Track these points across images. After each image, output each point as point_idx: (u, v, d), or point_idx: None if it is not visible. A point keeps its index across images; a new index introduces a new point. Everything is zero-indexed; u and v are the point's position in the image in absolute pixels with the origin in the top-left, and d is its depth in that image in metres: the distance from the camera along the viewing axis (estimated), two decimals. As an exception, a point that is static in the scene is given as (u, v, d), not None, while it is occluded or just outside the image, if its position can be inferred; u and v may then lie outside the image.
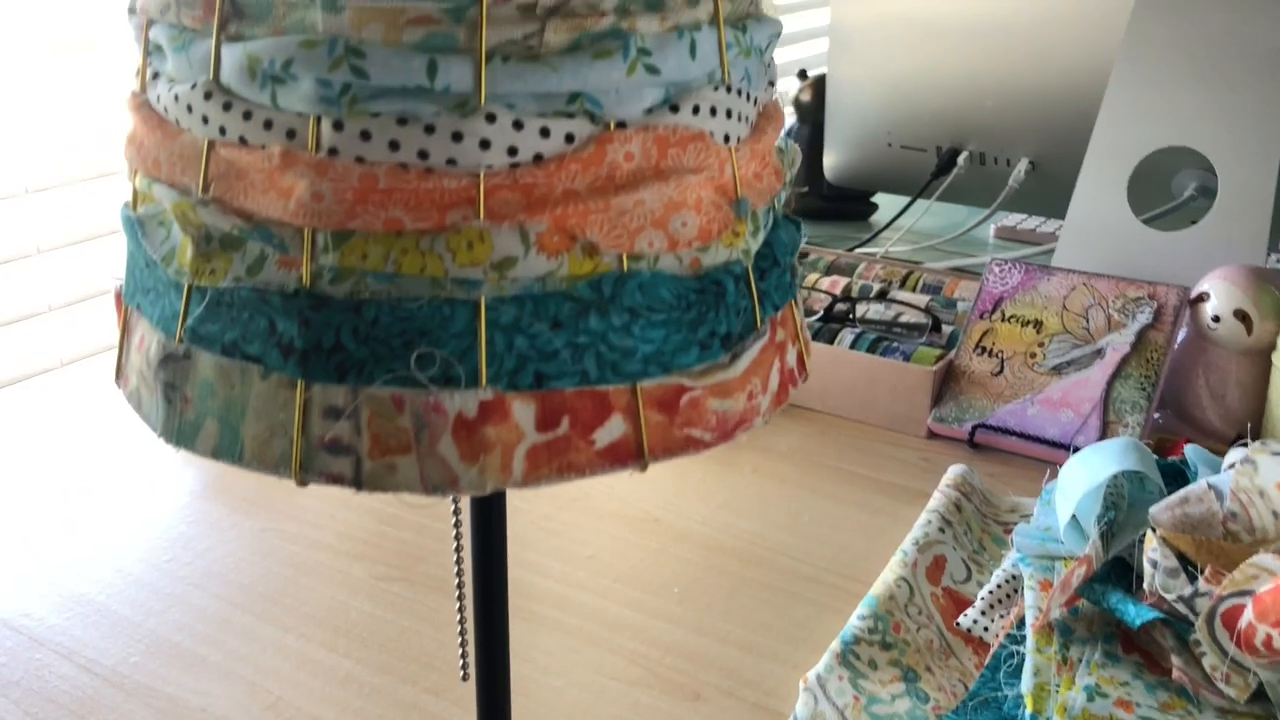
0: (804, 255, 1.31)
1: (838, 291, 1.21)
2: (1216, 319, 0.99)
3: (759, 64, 0.43)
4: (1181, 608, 0.65)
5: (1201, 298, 1.01)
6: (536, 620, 0.79)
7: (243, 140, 0.38)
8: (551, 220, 0.37)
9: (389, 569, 0.85)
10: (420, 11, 0.36)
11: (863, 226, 1.57)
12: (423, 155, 0.36)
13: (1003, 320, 1.07)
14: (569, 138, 0.37)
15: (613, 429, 0.39)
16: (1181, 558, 0.68)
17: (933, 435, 1.06)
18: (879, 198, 1.60)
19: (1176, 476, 0.77)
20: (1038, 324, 1.06)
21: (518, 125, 0.37)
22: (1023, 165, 1.32)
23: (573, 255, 0.38)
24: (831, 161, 1.48)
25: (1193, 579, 0.66)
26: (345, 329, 0.37)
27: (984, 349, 1.06)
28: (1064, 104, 1.27)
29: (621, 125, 0.38)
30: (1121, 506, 0.74)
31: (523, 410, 0.38)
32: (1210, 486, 0.70)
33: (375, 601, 0.81)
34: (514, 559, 0.85)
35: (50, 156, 1.19)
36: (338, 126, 0.36)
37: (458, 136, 0.36)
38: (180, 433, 0.40)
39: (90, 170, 1.23)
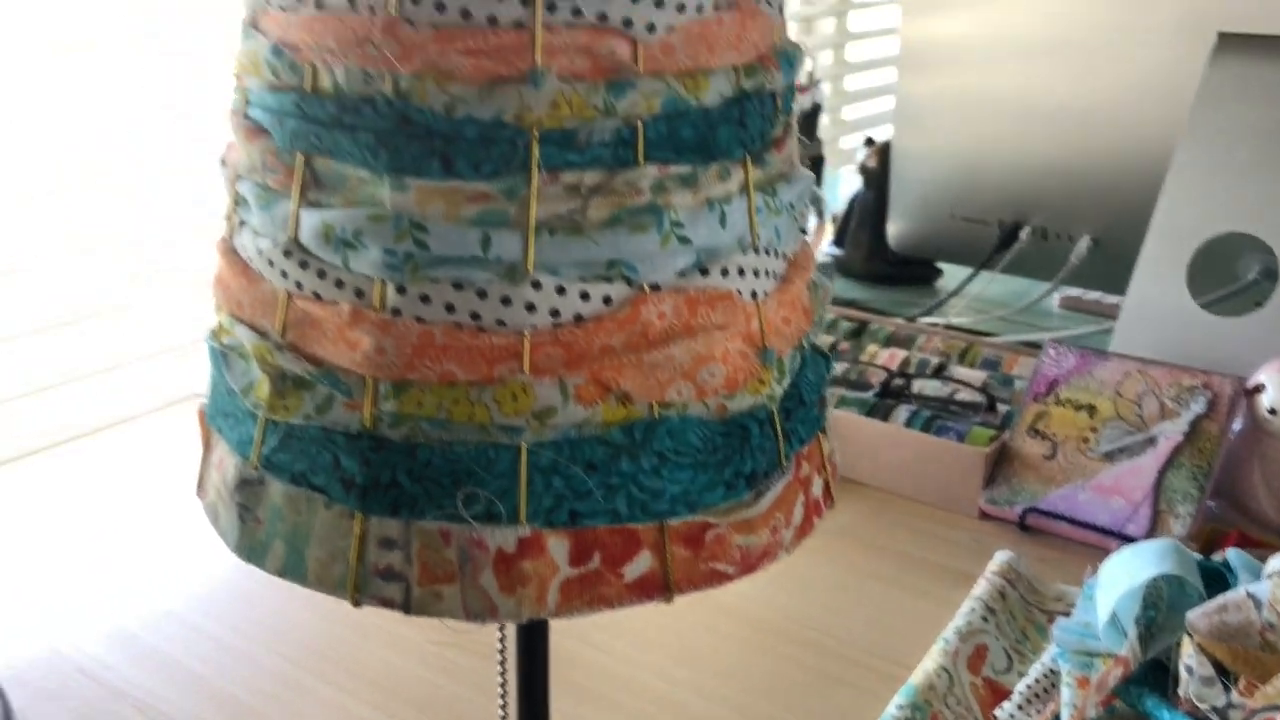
0: (865, 325, 1.33)
1: (895, 366, 1.23)
2: (1273, 411, 1.00)
3: (789, 220, 0.46)
4: (1215, 718, 0.66)
5: (1258, 389, 1.01)
6: (580, 692, 0.82)
7: (316, 295, 0.42)
8: (589, 374, 0.41)
9: (443, 633, 0.89)
10: (477, 190, 0.40)
11: (927, 291, 1.59)
12: (475, 316, 0.40)
13: (1057, 404, 1.08)
14: (607, 300, 0.41)
15: (641, 564, 0.42)
16: (1218, 666, 0.69)
17: (984, 516, 1.08)
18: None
19: (1217, 579, 0.79)
20: (1091, 409, 1.07)
21: (560, 290, 0.40)
22: (1084, 242, 1.34)
23: (607, 404, 0.41)
24: (895, 230, 1.51)
25: (1228, 689, 0.67)
26: (401, 469, 0.41)
27: (1038, 432, 1.08)
28: (1126, 183, 1.28)
29: (655, 287, 0.42)
30: (1161, 608, 0.75)
31: (557, 546, 0.41)
32: (1249, 595, 0.71)
33: (429, 666, 0.85)
34: (561, 628, 0.89)
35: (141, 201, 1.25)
36: (401, 290, 0.40)
37: (507, 301, 0.40)
38: (252, 550, 0.45)
39: (183, 223, 1.29)
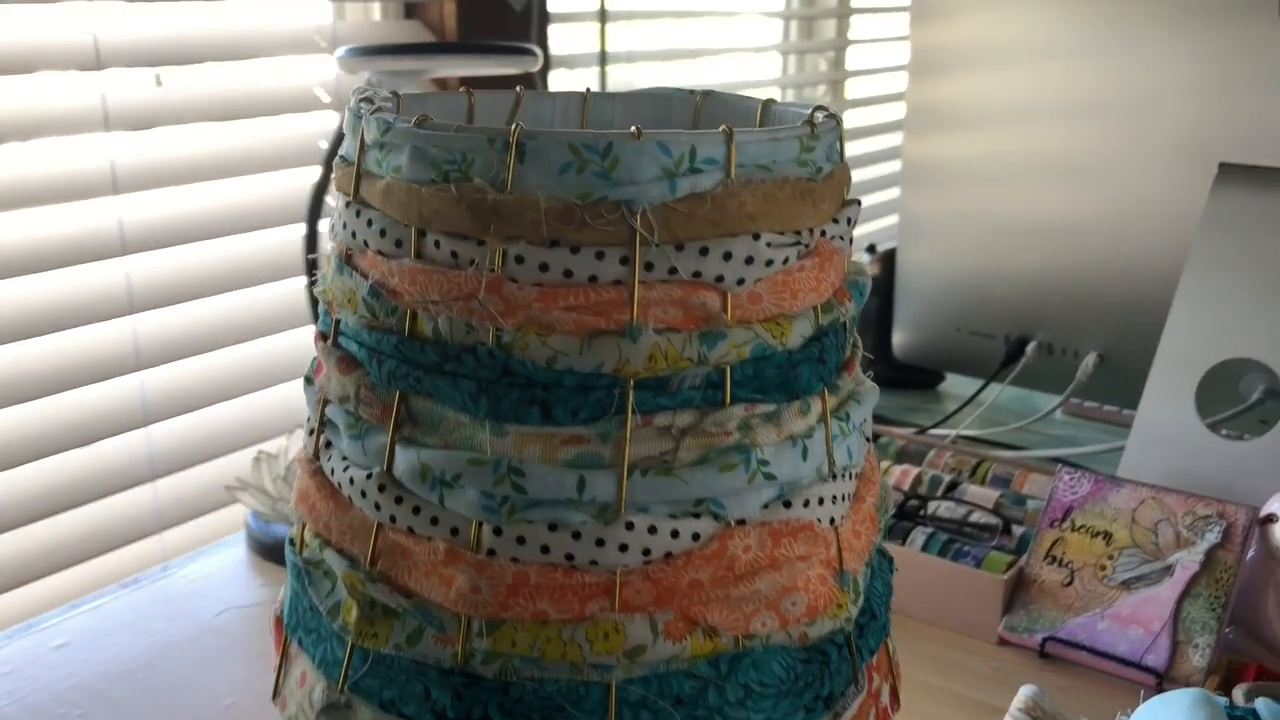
0: (876, 436, 1.35)
1: (907, 485, 1.25)
2: (1285, 542, 1.01)
3: (859, 437, 0.48)
4: None
5: (1271, 518, 1.03)
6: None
7: (410, 530, 0.43)
8: (677, 610, 0.42)
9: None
10: (573, 434, 0.41)
11: (930, 396, 1.61)
12: (569, 557, 0.42)
13: (1073, 530, 1.10)
14: (695, 536, 0.42)
15: (725, 794, 0.43)
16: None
17: (1003, 642, 1.09)
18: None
19: (1247, 727, 0.80)
20: (1107, 536, 1.08)
21: (652, 530, 0.42)
22: (1091, 358, 1.36)
23: (695, 638, 0.43)
24: (900, 340, 1.53)
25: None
26: (493, 704, 0.42)
27: (1054, 558, 1.09)
28: (1132, 301, 1.31)
29: (741, 523, 0.43)
30: (1190, 760, 0.76)
31: (647, 779, 0.42)
32: (1278, 751, 0.72)
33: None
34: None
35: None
36: (497, 532, 0.42)
37: (600, 542, 0.41)
38: (340, 773, 0.45)
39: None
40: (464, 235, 0.41)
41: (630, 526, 0.41)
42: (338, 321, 0.46)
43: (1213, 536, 1.05)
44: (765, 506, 0.43)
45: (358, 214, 0.44)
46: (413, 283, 0.42)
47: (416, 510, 0.43)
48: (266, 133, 1.15)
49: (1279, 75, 1.20)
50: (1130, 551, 1.08)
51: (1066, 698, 1.00)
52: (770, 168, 0.42)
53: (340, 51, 0.96)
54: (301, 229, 1.17)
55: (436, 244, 0.42)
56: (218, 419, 1.16)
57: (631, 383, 0.41)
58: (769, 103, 0.52)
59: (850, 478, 0.46)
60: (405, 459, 0.43)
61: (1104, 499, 1.12)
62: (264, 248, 1.16)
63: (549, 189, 0.40)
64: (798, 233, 0.43)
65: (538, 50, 1.00)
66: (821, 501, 0.45)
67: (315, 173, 1.26)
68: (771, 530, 0.43)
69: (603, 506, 0.41)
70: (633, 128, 0.40)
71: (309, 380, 0.48)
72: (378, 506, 0.44)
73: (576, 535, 0.41)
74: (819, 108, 0.49)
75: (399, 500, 0.43)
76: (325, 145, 1.21)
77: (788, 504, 0.44)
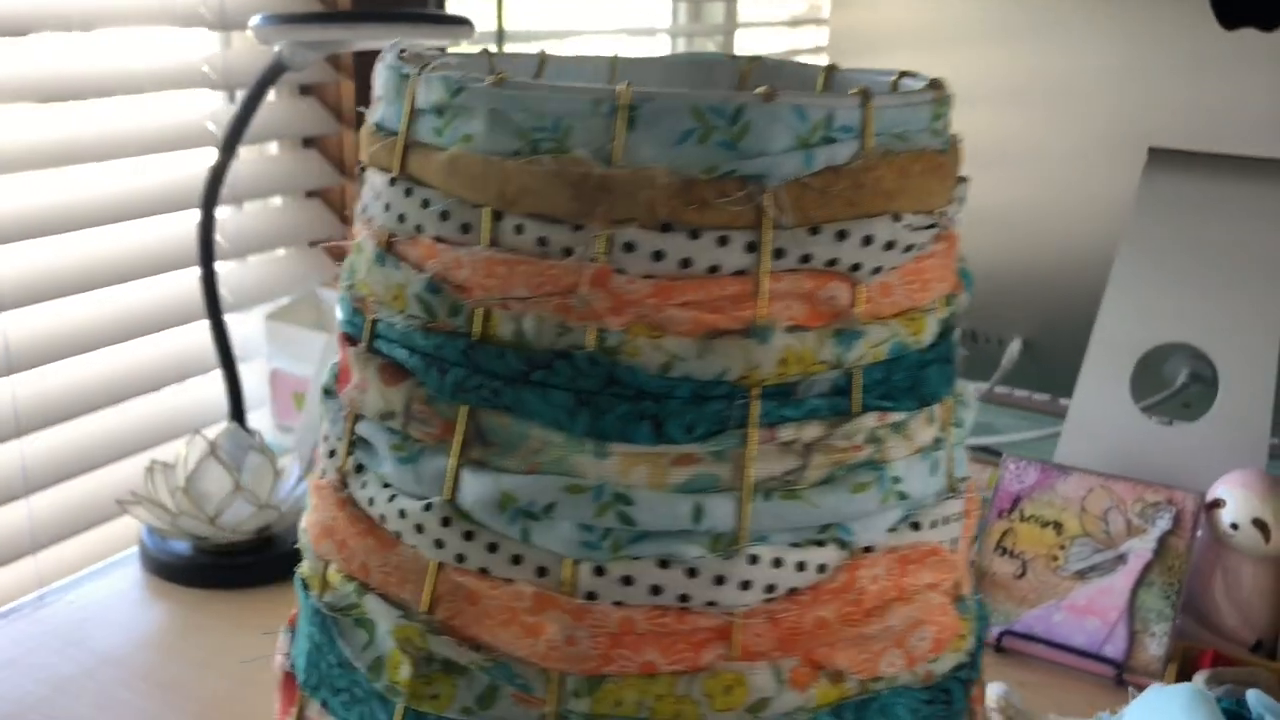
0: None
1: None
2: (1235, 526, 1.01)
3: (962, 446, 0.43)
4: None
5: (1217, 503, 1.03)
6: None
7: (484, 571, 0.36)
8: (802, 654, 0.36)
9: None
10: (685, 453, 0.35)
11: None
12: (683, 598, 0.35)
13: (1022, 520, 1.08)
14: (821, 568, 0.36)
15: None
16: (1266, 822, 0.68)
17: (958, 638, 1.06)
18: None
19: (1238, 722, 0.78)
20: (1058, 525, 1.07)
21: (777, 563, 0.36)
22: (1016, 345, 1.35)
23: (819, 685, 0.37)
24: (820, 328, 1.49)
25: None
26: (594, 775, 0.35)
27: (1005, 550, 1.07)
28: (1059, 287, 1.30)
29: (868, 550, 0.37)
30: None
31: None
32: (1286, 747, 0.71)
33: None
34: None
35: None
36: (599, 571, 0.35)
37: (720, 580, 0.35)
38: None
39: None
40: (556, 218, 0.34)
41: (754, 560, 0.35)
42: (374, 322, 0.38)
43: (1164, 524, 1.04)
44: (892, 530, 0.38)
45: (407, 193, 0.37)
46: (489, 275, 0.35)
47: (493, 548, 0.36)
48: (146, 112, 1.05)
49: (1208, 59, 1.20)
50: (1082, 541, 1.06)
51: (1027, 692, 0.98)
52: (905, 138, 0.36)
53: (255, 20, 0.87)
54: (189, 216, 1.07)
55: (519, 229, 0.35)
56: (100, 426, 1.05)
57: (756, 392, 0.35)
58: (831, 69, 0.46)
59: (962, 494, 0.41)
60: (477, 487, 0.36)
61: (1052, 488, 1.10)
62: (150, 238, 1.06)
63: (665, 162, 0.33)
64: (930, 213, 0.37)
65: (472, 21, 0.92)
66: (946, 521, 0.39)
67: (203, 156, 1.16)
68: (900, 556, 0.38)
69: (721, 537, 0.35)
70: (762, 88, 0.33)
71: (329, 392, 0.40)
72: (439, 544, 0.37)
73: (692, 572, 0.35)
74: (905, 73, 0.44)
75: (469, 536, 0.36)
76: (214, 127, 1.11)
77: (915, 525, 0.38)
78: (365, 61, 1.29)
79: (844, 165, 0.34)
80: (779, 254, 0.34)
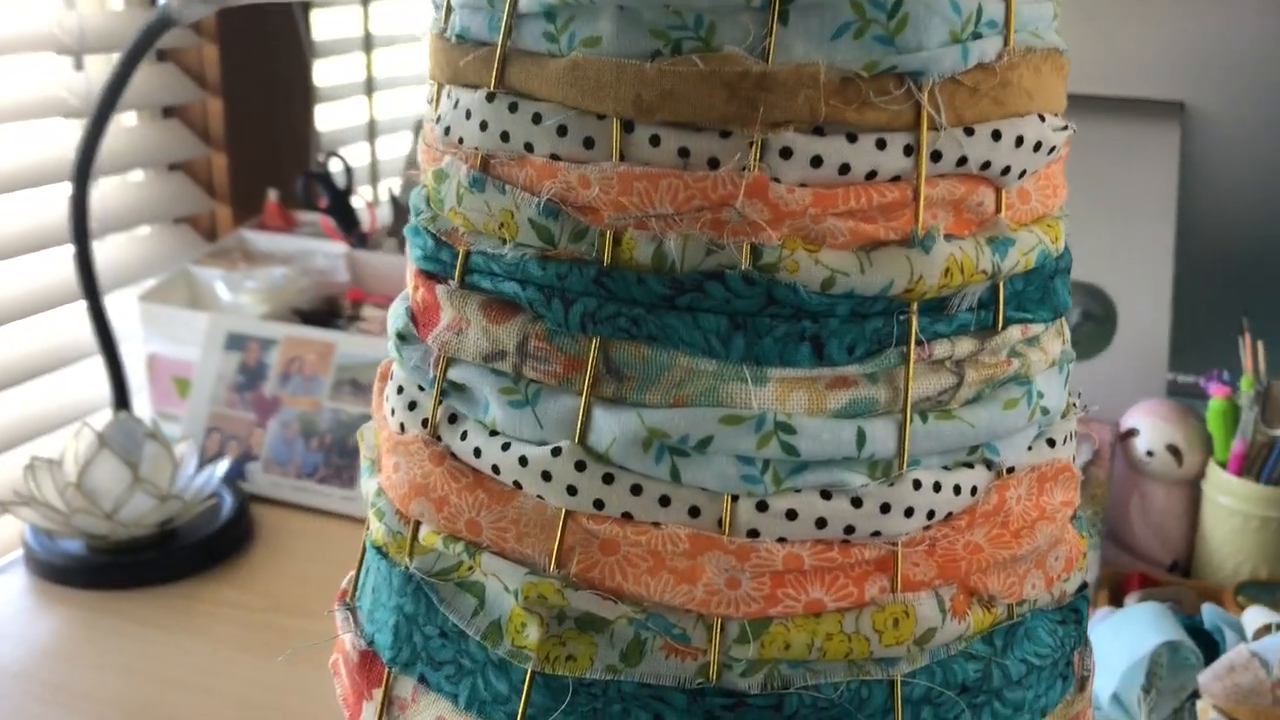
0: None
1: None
2: (1150, 453, 1.04)
3: None
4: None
5: (1131, 433, 1.06)
6: None
7: (627, 516, 0.33)
8: (959, 581, 0.35)
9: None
10: (840, 375, 0.32)
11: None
12: (849, 530, 0.33)
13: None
14: (973, 490, 0.35)
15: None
16: (1240, 729, 0.70)
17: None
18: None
19: (1198, 635, 0.81)
20: (982, 464, 1.08)
21: (937, 487, 0.34)
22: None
23: (975, 613, 0.35)
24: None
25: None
26: (762, 727, 0.33)
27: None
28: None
29: (1011, 470, 0.36)
30: (1161, 674, 0.76)
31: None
32: (1253, 654, 0.73)
33: None
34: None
35: None
36: (761, 507, 0.32)
37: (886, 508, 0.33)
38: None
39: None
40: (700, 126, 0.31)
41: (918, 485, 0.33)
42: (467, 254, 0.35)
43: (1084, 455, 1.07)
44: (1029, 448, 0.36)
45: (511, 108, 0.33)
46: (625, 193, 0.32)
47: (637, 490, 0.33)
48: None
49: (1087, 2, 1.24)
50: (1006, 477, 1.08)
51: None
52: (1039, 35, 0.34)
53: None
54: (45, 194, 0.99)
55: (655, 140, 0.32)
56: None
57: (914, 307, 0.33)
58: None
59: (1077, 409, 0.40)
60: (614, 425, 0.33)
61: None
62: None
63: (821, 58, 0.31)
64: (1059, 114, 0.36)
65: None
66: (1070, 438, 0.38)
67: (64, 129, 1.06)
68: (1039, 475, 0.36)
69: (881, 463, 0.33)
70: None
71: (404, 338, 0.36)
72: (572, 490, 0.33)
73: (857, 502, 0.33)
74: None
75: (608, 479, 0.33)
76: (70, 95, 1.02)
77: (1050, 442, 0.37)
78: (230, 24, 1.22)
79: (993, 62, 0.33)
80: (935, 157, 0.32)
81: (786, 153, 0.31)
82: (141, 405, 1.10)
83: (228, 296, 1.13)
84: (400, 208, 1.25)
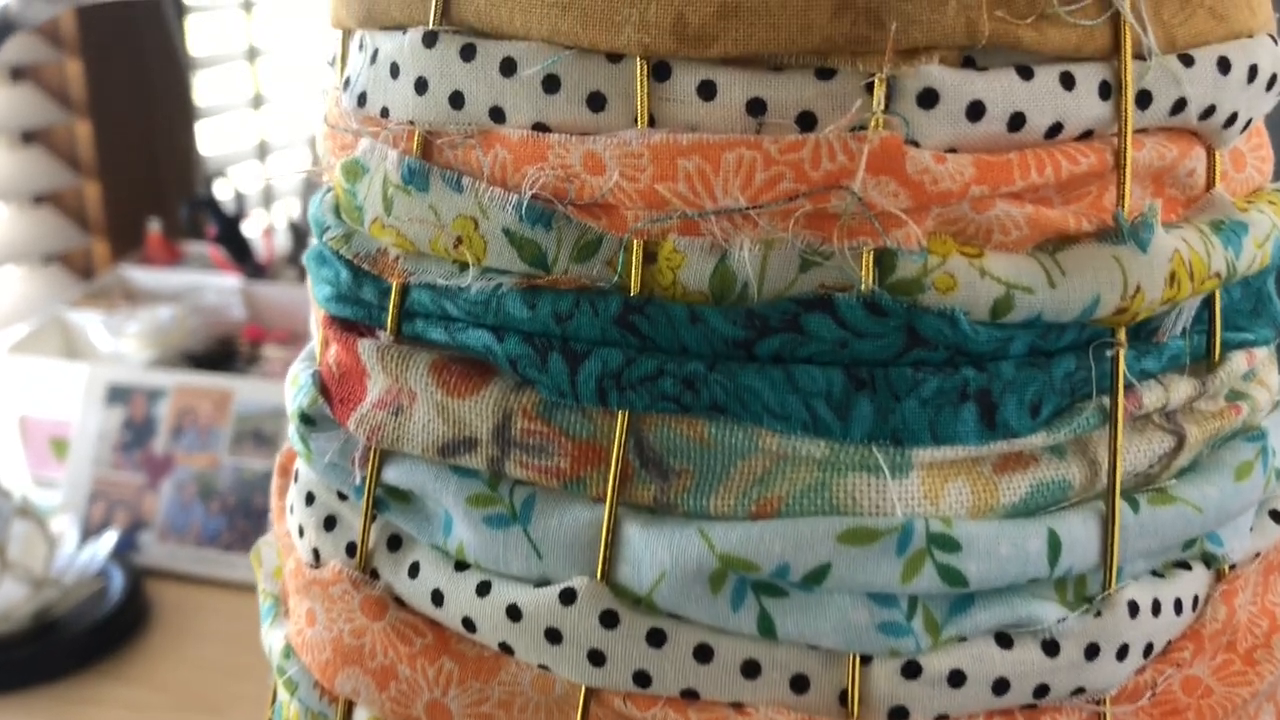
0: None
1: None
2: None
3: None
4: None
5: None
6: None
7: (690, 695, 0.21)
8: (1186, 744, 0.23)
9: None
10: (1015, 449, 0.21)
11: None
12: (1040, 692, 0.21)
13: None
14: (1194, 603, 0.23)
15: None
16: None
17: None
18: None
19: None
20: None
21: (1155, 608, 0.22)
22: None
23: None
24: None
25: None
26: None
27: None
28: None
29: (1233, 566, 0.24)
30: None
31: None
32: None
33: None
34: None
35: None
36: (910, 670, 0.20)
37: (1093, 651, 0.21)
38: None
39: None
40: (777, 62, 0.19)
41: (1134, 610, 0.21)
42: (405, 290, 0.22)
43: None
44: (1251, 529, 0.25)
45: (466, 54, 0.21)
46: (662, 177, 0.19)
47: (704, 654, 0.20)
48: None
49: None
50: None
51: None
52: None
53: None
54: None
55: (706, 89, 0.19)
56: None
57: (1120, 335, 0.21)
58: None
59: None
60: (662, 550, 0.20)
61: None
62: None
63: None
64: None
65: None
66: (1286, 503, 0.27)
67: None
68: (1266, 565, 0.25)
69: (1081, 581, 0.21)
70: None
71: (308, 420, 0.24)
72: (597, 658, 0.21)
73: (1052, 648, 0.21)
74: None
75: (656, 638, 0.20)
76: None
77: (1275, 515, 0.25)
78: (95, 35, 1.09)
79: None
80: (1143, 100, 0.20)
81: (929, 98, 0.19)
82: (12, 474, 0.98)
83: (108, 343, 1.02)
84: (300, 232, 1.13)
